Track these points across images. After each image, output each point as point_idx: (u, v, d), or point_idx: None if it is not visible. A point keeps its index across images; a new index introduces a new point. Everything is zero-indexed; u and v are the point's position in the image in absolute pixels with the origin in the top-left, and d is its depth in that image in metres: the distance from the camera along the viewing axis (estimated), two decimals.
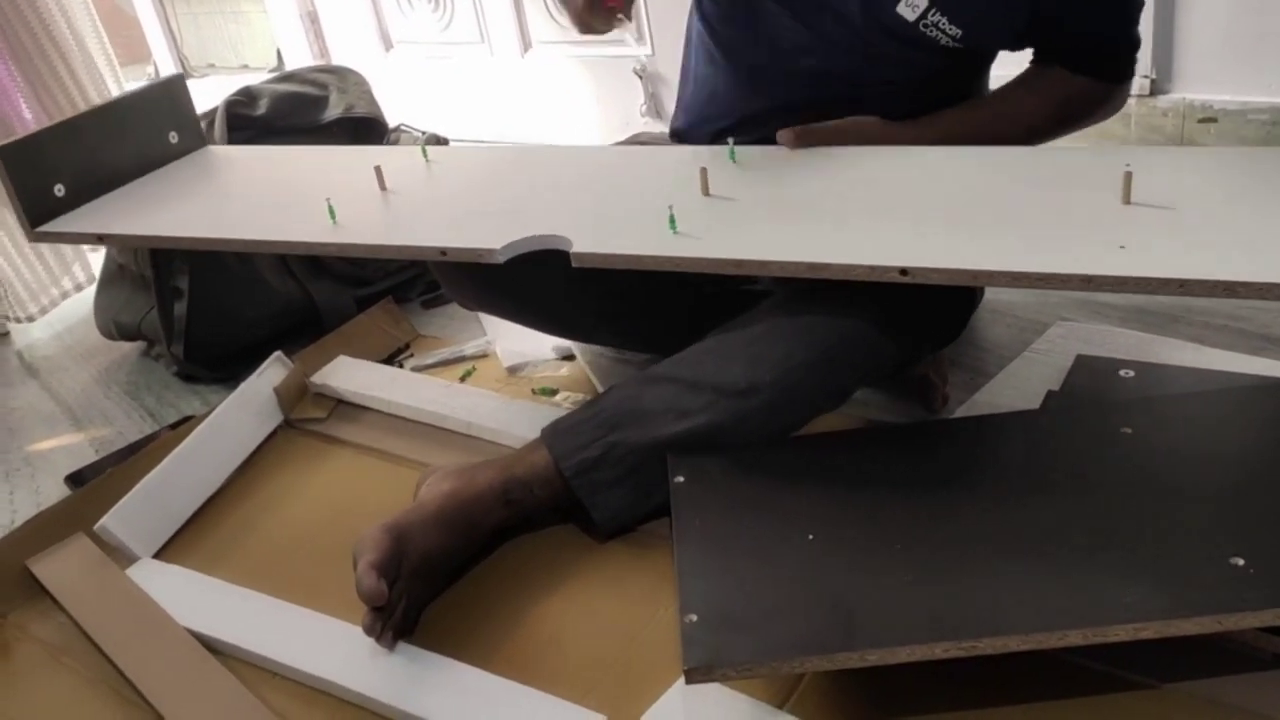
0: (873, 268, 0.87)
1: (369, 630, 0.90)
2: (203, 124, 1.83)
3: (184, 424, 1.44)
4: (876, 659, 0.70)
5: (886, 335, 0.98)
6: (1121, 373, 1.06)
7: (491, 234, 1.01)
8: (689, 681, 0.72)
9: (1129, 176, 0.91)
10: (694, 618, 0.76)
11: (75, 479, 1.40)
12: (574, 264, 0.95)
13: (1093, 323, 1.24)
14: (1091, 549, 0.77)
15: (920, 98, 1.13)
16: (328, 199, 1.11)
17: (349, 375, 1.42)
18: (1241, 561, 0.72)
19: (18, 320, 2.04)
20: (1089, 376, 1.07)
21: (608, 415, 1.01)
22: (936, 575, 0.77)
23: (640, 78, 2.34)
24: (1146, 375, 1.05)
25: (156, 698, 0.92)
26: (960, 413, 1.10)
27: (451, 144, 1.58)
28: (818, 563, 0.80)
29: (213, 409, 1.35)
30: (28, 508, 1.36)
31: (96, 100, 2.13)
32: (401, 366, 1.50)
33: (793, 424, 1.01)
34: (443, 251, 1.01)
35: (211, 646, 0.97)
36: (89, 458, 1.46)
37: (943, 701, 0.77)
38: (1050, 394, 1.04)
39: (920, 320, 0.99)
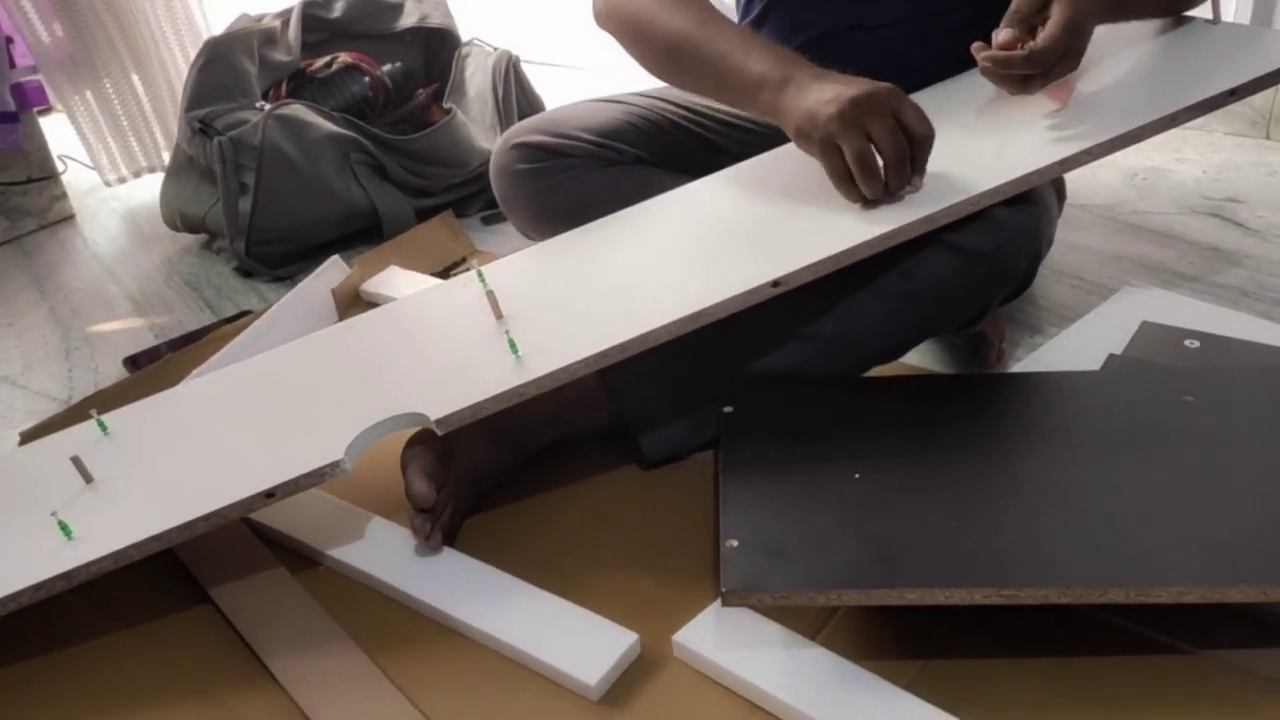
0: (747, 292, 0.88)
1: (419, 531, 0.92)
2: (278, 23, 1.85)
3: (241, 318, 1.46)
4: (915, 599, 0.70)
5: (954, 289, 0.96)
6: (1187, 342, 1.04)
7: (322, 447, 0.88)
8: (725, 603, 0.73)
9: None
10: (735, 543, 0.77)
11: (133, 362, 1.43)
12: (440, 430, 0.87)
13: (1161, 290, 1.21)
14: (1141, 510, 0.76)
15: None
16: (54, 513, 0.89)
17: (397, 285, 1.43)
18: None
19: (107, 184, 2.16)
20: (1153, 343, 1.05)
21: (663, 349, 1.01)
22: (982, 523, 0.77)
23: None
24: (1212, 347, 1.03)
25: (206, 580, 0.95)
26: (1018, 369, 1.09)
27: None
28: (863, 501, 0.80)
29: (270, 306, 1.37)
30: (85, 386, 1.40)
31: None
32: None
33: (849, 372, 1.01)
34: (270, 493, 0.85)
35: (260, 533, 0.99)
36: (148, 342, 1.49)
37: (975, 648, 0.77)
38: (1112, 357, 1.02)
39: (989, 272, 0.96)
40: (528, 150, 1.16)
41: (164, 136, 2.22)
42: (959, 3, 1.12)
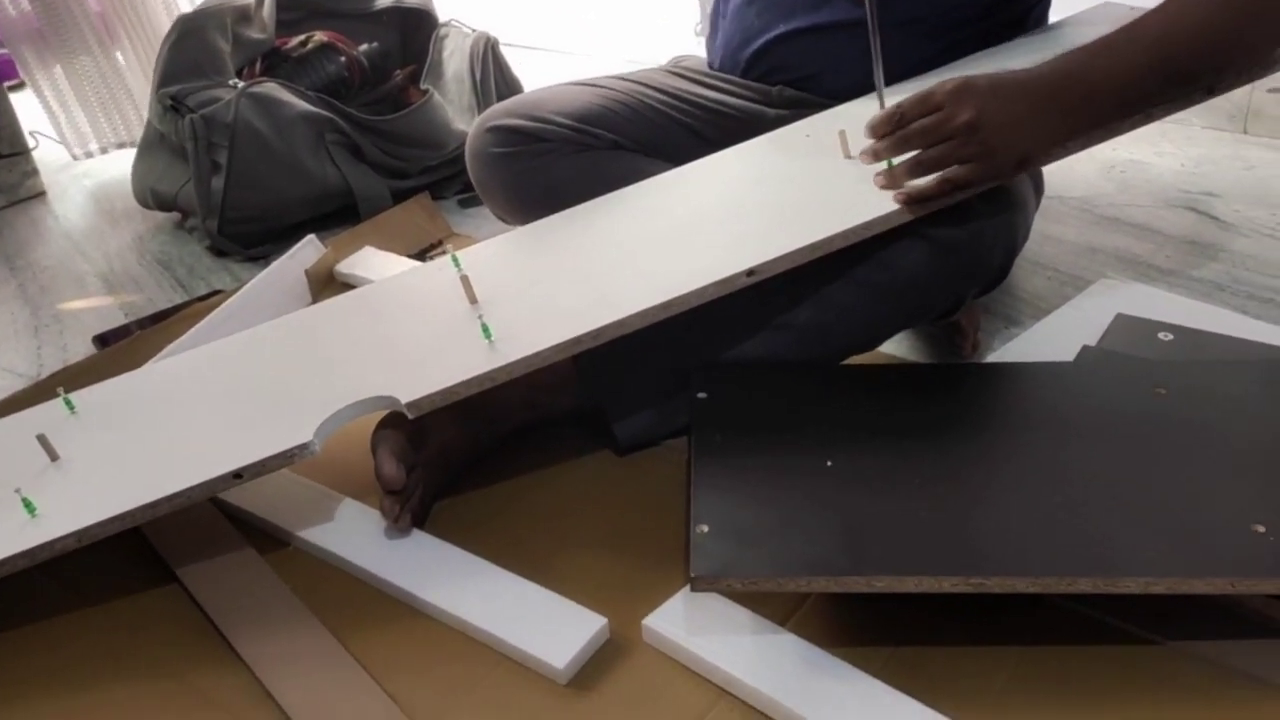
0: (721, 281, 0.89)
1: (388, 513, 0.91)
2: (252, 0, 1.82)
3: (212, 297, 1.45)
4: (884, 586, 0.70)
5: (929, 280, 0.96)
6: (1160, 335, 1.04)
7: (291, 428, 0.87)
8: (694, 589, 0.73)
9: (843, 134, 1.02)
10: (705, 529, 0.76)
11: (102, 340, 1.41)
12: (411, 414, 0.86)
13: (1136, 283, 1.22)
14: (1111, 501, 0.76)
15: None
16: (17, 490, 0.87)
17: (373, 266, 1.41)
18: (1263, 529, 0.71)
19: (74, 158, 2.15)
20: (1127, 335, 1.05)
21: (637, 336, 1.00)
22: (952, 512, 0.77)
23: None
24: (1186, 340, 1.03)
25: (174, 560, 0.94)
26: (992, 359, 1.09)
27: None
28: (834, 489, 0.80)
29: (242, 285, 1.35)
30: (54, 363, 1.38)
31: None
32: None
33: (823, 361, 1.00)
34: (238, 474, 0.84)
35: (229, 513, 0.98)
36: (117, 320, 1.47)
37: (943, 636, 0.77)
38: (1085, 349, 1.02)
39: (964, 264, 0.96)
40: (503, 134, 1.15)
41: (136, 112, 2.20)
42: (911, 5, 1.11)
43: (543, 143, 1.14)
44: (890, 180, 0.94)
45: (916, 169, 0.92)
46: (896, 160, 0.93)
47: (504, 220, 1.24)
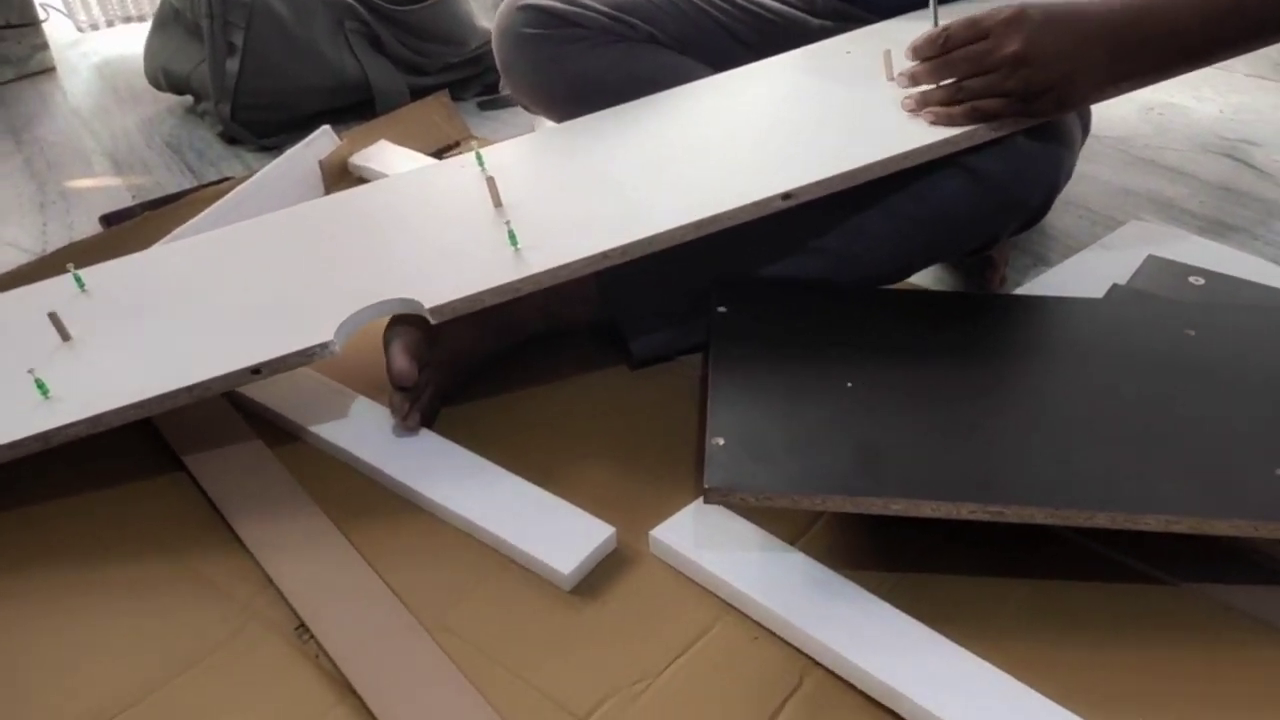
0: (757, 203, 0.86)
1: (397, 410, 0.90)
2: None
3: (224, 183, 1.42)
4: (900, 509, 0.69)
5: (966, 215, 0.93)
6: (1191, 279, 1.02)
7: (311, 325, 0.85)
8: (707, 501, 0.71)
9: (888, 55, 0.98)
10: (721, 441, 0.75)
11: (109, 219, 1.38)
12: (434, 319, 0.84)
13: (1168, 226, 1.19)
14: (1135, 438, 0.75)
15: None
16: (30, 370, 0.85)
17: (388, 161, 1.38)
18: None
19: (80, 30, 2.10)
20: (1158, 277, 1.03)
21: (662, 253, 0.97)
22: (973, 439, 0.75)
23: None
24: (1217, 284, 1.01)
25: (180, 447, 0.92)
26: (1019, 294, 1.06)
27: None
28: (853, 409, 0.79)
29: (253, 173, 1.32)
30: (59, 240, 1.36)
31: None
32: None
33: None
34: (256, 369, 0.83)
35: (237, 404, 0.97)
36: (125, 202, 1.44)
37: (951, 566, 0.77)
38: (1115, 287, 1.00)
39: (1003, 200, 0.93)
40: (535, 13, 1.10)
41: None
42: None
43: (576, 28, 1.09)
44: (920, 104, 0.91)
45: (952, 97, 0.89)
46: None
47: (526, 108, 1.20)
